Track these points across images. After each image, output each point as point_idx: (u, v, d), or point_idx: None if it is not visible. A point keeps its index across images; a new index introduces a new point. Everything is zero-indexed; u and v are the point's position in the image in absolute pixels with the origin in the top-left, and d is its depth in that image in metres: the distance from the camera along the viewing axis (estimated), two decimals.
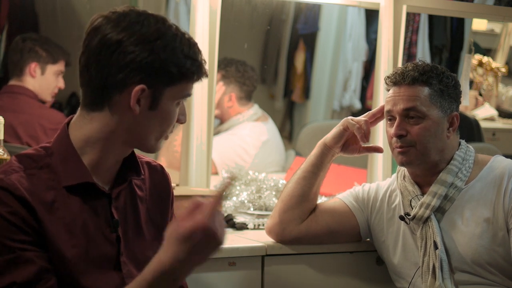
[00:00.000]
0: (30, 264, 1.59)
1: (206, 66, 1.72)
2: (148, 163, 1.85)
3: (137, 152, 1.79)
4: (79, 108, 1.71)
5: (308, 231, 2.42)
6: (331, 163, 2.45)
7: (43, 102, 3.43)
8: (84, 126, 1.68)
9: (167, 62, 1.65)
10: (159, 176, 1.86)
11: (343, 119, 2.43)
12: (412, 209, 2.34)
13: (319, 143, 2.44)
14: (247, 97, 3.79)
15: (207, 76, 1.73)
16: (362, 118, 2.41)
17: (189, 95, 1.73)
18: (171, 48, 1.65)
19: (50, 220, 1.63)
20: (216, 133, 3.65)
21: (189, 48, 1.68)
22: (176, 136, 3.19)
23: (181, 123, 1.76)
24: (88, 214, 1.68)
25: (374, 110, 2.45)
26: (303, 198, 2.42)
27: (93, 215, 1.68)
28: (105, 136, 1.68)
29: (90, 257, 1.66)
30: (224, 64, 3.70)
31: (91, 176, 1.68)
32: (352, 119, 2.41)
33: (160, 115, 1.68)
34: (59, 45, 3.50)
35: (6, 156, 2.16)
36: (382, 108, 2.41)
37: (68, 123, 1.72)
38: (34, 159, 1.67)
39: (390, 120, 2.34)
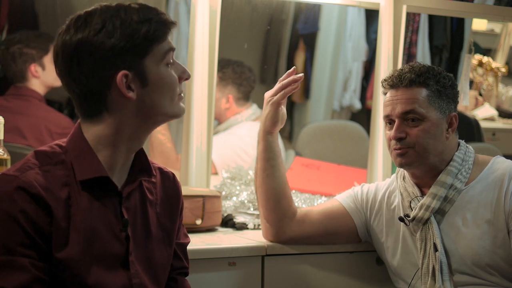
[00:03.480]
0: (24, 271, 1.59)
1: (166, 16, 1.70)
2: (160, 169, 1.86)
3: (149, 156, 1.80)
4: (80, 118, 1.72)
5: (303, 232, 2.41)
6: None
7: (50, 103, 3.45)
8: (90, 129, 1.70)
9: (126, 39, 1.64)
10: (171, 183, 1.87)
11: (266, 102, 2.35)
12: (412, 210, 2.33)
13: (261, 136, 2.38)
14: (245, 97, 3.79)
15: (174, 24, 1.71)
16: (275, 87, 2.34)
17: (170, 50, 1.71)
18: (120, 24, 1.64)
19: (64, 216, 1.64)
20: (215, 133, 3.64)
21: (138, 12, 1.67)
22: (163, 131, 3.21)
23: (186, 79, 1.75)
24: (98, 212, 1.69)
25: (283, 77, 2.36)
26: (279, 194, 2.39)
27: (103, 213, 1.69)
28: (114, 133, 1.69)
29: (98, 255, 1.67)
30: (221, 65, 3.69)
31: (105, 171, 1.69)
32: (268, 95, 2.34)
33: (156, 86, 1.69)
34: (40, 34, 3.50)
35: (6, 156, 2.16)
36: (291, 73, 2.34)
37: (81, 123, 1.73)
38: (49, 156, 1.69)
39: (389, 123, 2.34)
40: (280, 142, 3.93)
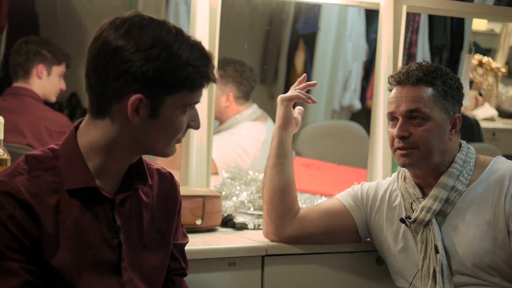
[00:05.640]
0: (15, 276, 1.59)
1: (215, 71, 1.66)
2: (158, 170, 1.84)
3: (146, 157, 1.78)
4: (87, 113, 1.70)
5: (303, 230, 2.41)
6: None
7: (48, 103, 3.46)
8: (88, 132, 1.68)
9: (162, 71, 1.60)
10: (168, 184, 1.85)
11: (278, 101, 2.42)
12: (413, 212, 2.33)
13: (276, 132, 2.43)
14: (245, 96, 3.80)
15: (215, 82, 1.67)
16: (293, 92, 2.41)
17: (195, 102, 1.67)
18: (166, 56, 1.60)
19: (52, 223, 1.63)
20: (216, 133, 3.65)
21: (190, 53, 1.62)
22: None
23: (194, 129, 1.71)
24: (89, 219, 1.67)
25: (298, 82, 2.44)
26: (285, 192, 2.41)
27: (94, 220, 1.68)
28: (108, 143, 1.66)
29: (89, 262, 1.66)
30: (222, 64, 3.70)
31: (94, 180, 1.67)
32: (284, 96, 2.41)
33: (162, 124, 1.65)
34: (60, 47, 3.53)
35: (6, 156, 2.16)
36: (304, 78, 2.42)
37: (77, 127, 1.70)
38: (40, 161, 1.66)
39: (392, 120, 2.32)
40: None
